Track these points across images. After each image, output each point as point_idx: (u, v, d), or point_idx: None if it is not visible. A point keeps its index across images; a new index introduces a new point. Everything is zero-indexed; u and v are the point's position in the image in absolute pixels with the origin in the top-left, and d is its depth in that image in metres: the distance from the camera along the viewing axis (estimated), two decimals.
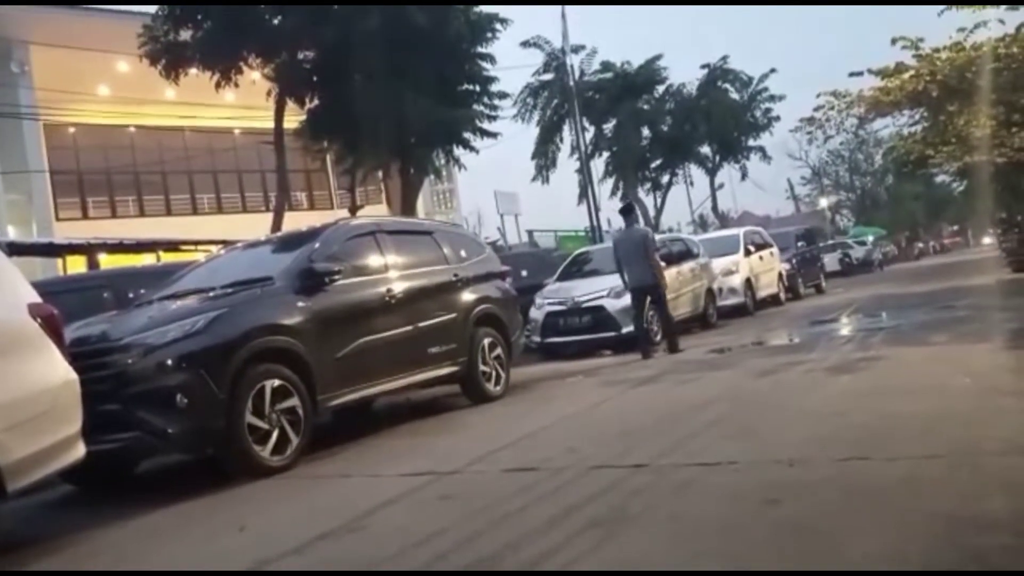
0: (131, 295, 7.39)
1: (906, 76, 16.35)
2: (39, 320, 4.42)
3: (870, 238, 40.16)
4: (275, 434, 5.56)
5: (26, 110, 20.45)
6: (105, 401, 4.99)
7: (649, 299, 10.52)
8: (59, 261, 15.62)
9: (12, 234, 19.41)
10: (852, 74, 17.44)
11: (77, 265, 14.79)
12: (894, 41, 15.89)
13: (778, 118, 32.55)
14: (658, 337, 10.90)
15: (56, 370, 4.43)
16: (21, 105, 20.51)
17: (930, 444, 4.01)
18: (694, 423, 5.44)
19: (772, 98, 32.51)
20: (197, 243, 16.09)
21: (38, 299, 4.56)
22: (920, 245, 54.48)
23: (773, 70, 32.62)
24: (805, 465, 3.98)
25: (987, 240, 44.40)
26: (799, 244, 21.48)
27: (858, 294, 18.05)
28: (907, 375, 6.34)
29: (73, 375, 4.50)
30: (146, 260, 15.62)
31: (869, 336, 9.80)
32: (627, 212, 11.12)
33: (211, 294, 6.12)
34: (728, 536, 3.10)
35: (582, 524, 3.42)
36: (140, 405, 5.15)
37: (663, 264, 11.21)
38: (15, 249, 12.54)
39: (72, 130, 22.85)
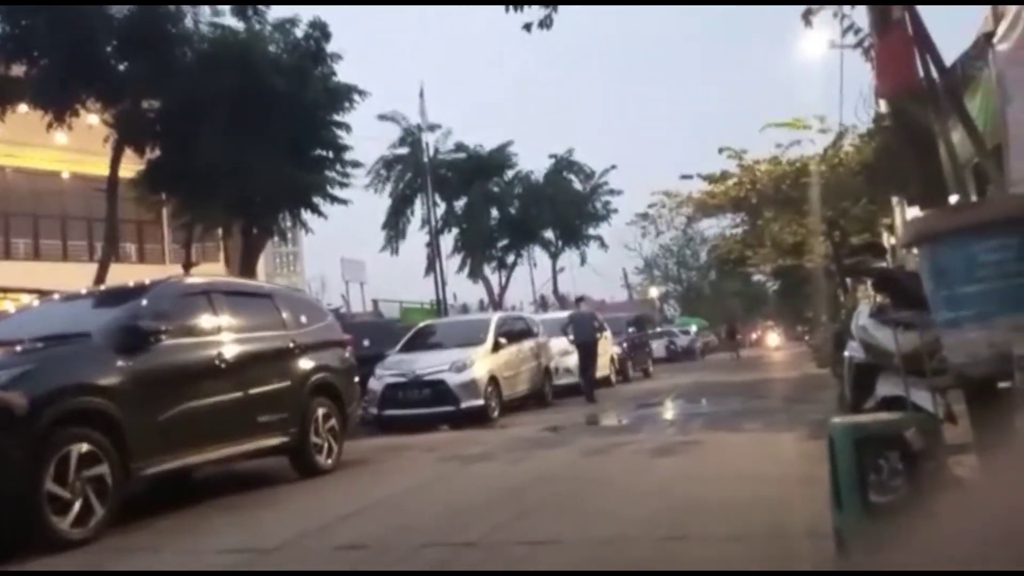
0: None
1: (730, 183, 17.88)
2: None
3: (694, 328, 42.77)
4: (78, 504, 5.10)
5: None
6: None
7: (587, 354, 14.52)
8: None
9: None
10: (683, 176, 18.92)
11: None
12: (721, 150, 17.39)
13: (616, 210, 34.48)
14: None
15: None
16: None
17: (743, 526, 4.28)
18: (525, 501, 5.52)
19: (611, 191, 34.48)
20: (8, 290, 14.75)
21: None
22: (739, 337, 58.62)
23: (613, 166, 34.73)
24: (628, 543, 4.13)
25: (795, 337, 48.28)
26: (630, 329, 22.52)
27: (682, 379, 19.08)
28: (723, 459, 6.75)
29: None
30: None
31: (690, 420, 10.37)
32: (580, 300, 17.63)
33: (19, 348, 5.63)
34: None
35: None
36: None
37: (505, 341, 12.73)
38: None
39: None
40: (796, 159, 16.93)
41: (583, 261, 34.93)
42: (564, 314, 19.66)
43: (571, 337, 14.95)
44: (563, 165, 33.80)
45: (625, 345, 20.67)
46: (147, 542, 5.13)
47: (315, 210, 16.95)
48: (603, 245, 34.90)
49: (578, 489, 5.92)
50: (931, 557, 1.89)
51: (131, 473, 5.57)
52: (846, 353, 5.38)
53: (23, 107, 14.50)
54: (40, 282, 14.22)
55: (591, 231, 34.41)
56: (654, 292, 57.46)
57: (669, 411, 12.31)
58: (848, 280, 18.63)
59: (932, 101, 5.07)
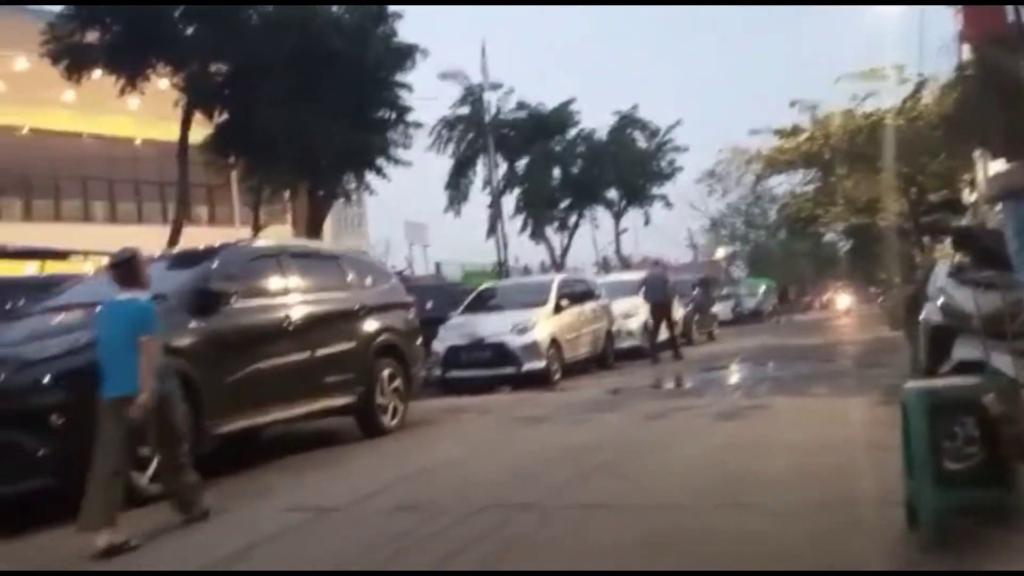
0: (9, 306, 6.97)
1: (801, 138, 17.31)
2: None
3: (762, 289, 41.92)
4: (155, 460, 5.31)
5: None
6: None
7: (664, 316, 14.83)
8: None
9: None
10: (752, 132, 18.38)
11: None
12: (792, 104, 16.83)
13: (681, 168, 33.79)
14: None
15: None
16: None
17: (807, 493, 4.21)
18: (583, 464, 5.53)
19: (677, 149, 33.77)
20: (87, 253, 15.31)
21: None
22: (807, 299, 57.18)
23: (679, 122, 33.92)
24: (686, 511, 4.10)
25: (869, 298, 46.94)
26: (695, 291, 22.18)
27: (748, 343, 18.78)
28: (788, 425, 6.63)
29: None
30: (29, 268, 14.77)
31: (755, 384, 10.21)
32: (655, 262, 18.16)
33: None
34: None
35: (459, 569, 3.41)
36: (10, 424, 4.86)
37: (567, 303, 12.68)
38: None
39: None
40: (872, 112, 16.26)
41: (647, 221, 34.49)
42: (627, 276, 19.52)
43: (644, 298, 15.19)
44: (627, 122, 33.18)
45: (689, 307, 20.39)
46: (215, 501, 5.32)
47: (378, 172, 17.11)
48: (668, 204, 34.34)
49: (637, 453, 5.89)
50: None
51: (204, 432, 5.76)
52: (922, 315, 5.19)
53: (97, 73, 14.91)
54: (117, 245, 14.68)
55: (655, 190, 33.88)
56: (720, 253, 56.35)
57: (734, 375, 12.15)
58: (925, 239, 17.95)
59: (1022, 47, 4.77)
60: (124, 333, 4.45)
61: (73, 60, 14.60)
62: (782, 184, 23.81)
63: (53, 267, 14.06)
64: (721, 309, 28.09)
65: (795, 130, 17.38)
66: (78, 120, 21.45)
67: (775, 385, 9.90)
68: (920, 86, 15.05)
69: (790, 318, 34.07)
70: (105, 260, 10.87)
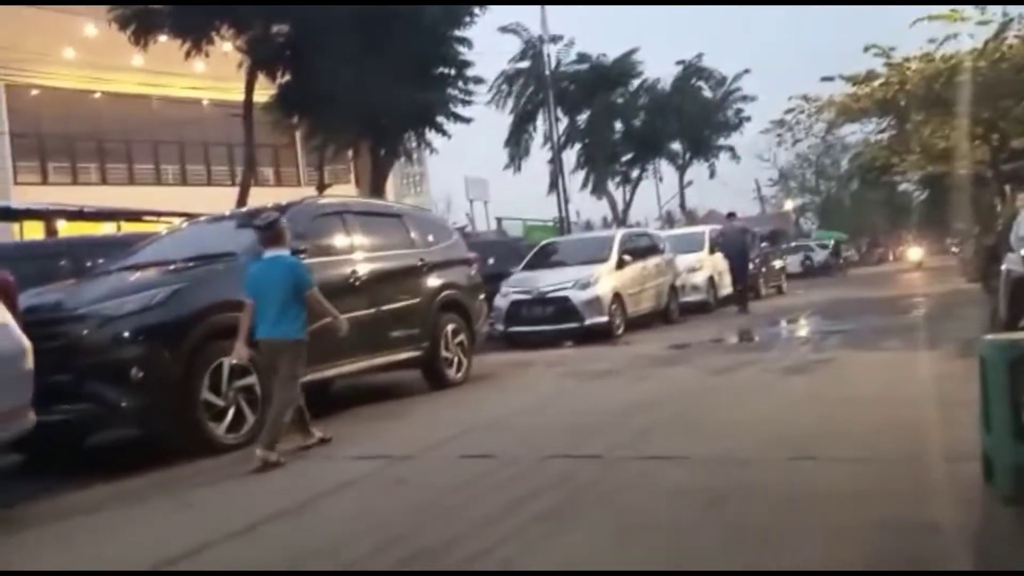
0: (89, 264, 7.25)
1: (876, 84, 16.61)
2: None
3: (832, 242, 40.81)
4: (231, 412, 5.52)
5: None
6: (58, 371, 4.92)
7: (740, 269, 15.07)
8: (16, 227, 15.24)
9: None
10: (824, 79, 17.67)
11: (35, 232, 14.44)
12: (866, 48, 16.11)
13: (749, 118, 32.87)
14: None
15: (8, 338, 4.34)
16: None
17: (876, 449, 4.12)
18: (649, 418, 5.52)
19: (744, 98, 32.84)
20: (160, 214, 15.78)
21: None
22: (881, 251, 55.47)
23: (747, 71, 32.94)
24: (752, 464, 4.07)
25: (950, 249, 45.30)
26: (763, 244, 21.72)
27: (817, 296, 18.37)
28: (858, 379, 6.49)
29: (26, 344, 4.42)
30: (106, 229, 15.33)
31: (825, 338, 9.99)
32: (731, 216, 17.43)
33: (172, 267, 6.05)
34: (676, 536, 3.16)
35: (531, 517, 3.46)
36: (93, 377, 5.09)
37: (630, 258, 12.57)
38: None
39: (35, 92, 22.22)
40: (951, 55, 15.45)
41: (712, 174, 33.72)
42: (693, 229, 19.23)
43: (720, 251, 15.45)
44: (692, 72, 32.34)
45: (757, 260, 19.99)
46: (291, 448, 5.50)
47: (439, 129, 17.07)
48: (734, 156, 33.54)
49: (703, 407, 5.85)
50: None
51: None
52: (1003, 266, 4.98)
53: (163, 38, 15.19)
54: (187, 205, 15.11)
55: (721, 141, 33.09)
56: (789, 205, 54.89)
57: (802, 328, 11.91)
58: (1007, 187, 17.13)
59: None
60: (279, 286, 5.07)
61: (139, 25, 14.90)
62: (855, 133, 23.01)
63: (128, 227, 14.57)
64: (790, 262, 27.48)
65: (869, 76, 16.66)
66: (147, 84, 21.96)
67: (845, 339, 9.68)
68: (1004, 26, 14.20)
69: (862, 270, 33.11)
70: (177, 220, 11.18)
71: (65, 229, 14.14)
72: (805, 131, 20.49)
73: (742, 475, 3.88)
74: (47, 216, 14.24)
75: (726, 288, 16.17)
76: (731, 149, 33.25)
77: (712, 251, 16.02)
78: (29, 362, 4.41)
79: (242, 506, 4.12)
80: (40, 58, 19.18)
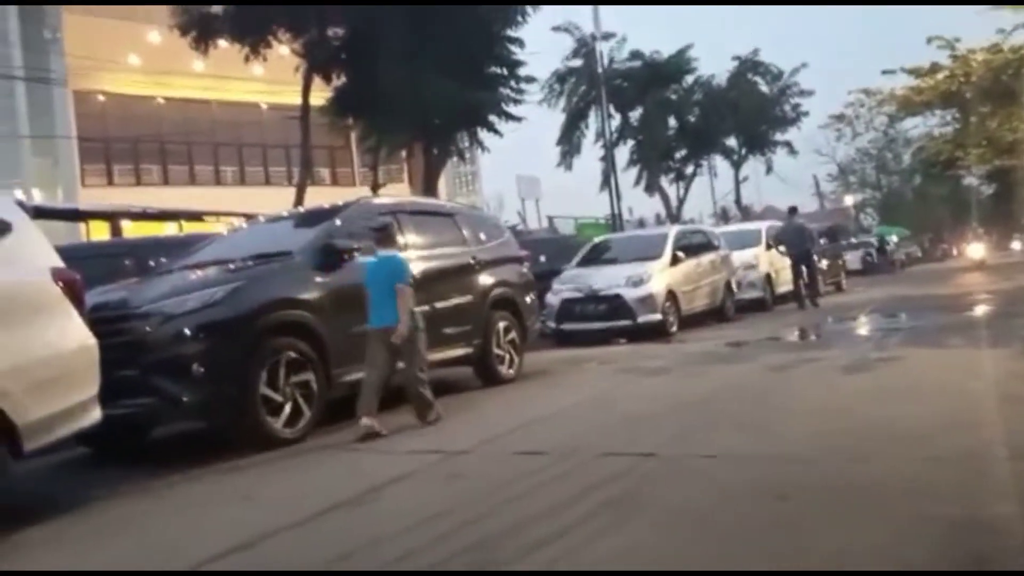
0: (152, 263, 7.46)
1: (940, 76, 16.19)
2: (61, 285, 4.49)
3: (894, 238, 39.70)
4: (288, 406, 5.63)
5: (57, 76, 20.62)
6: (123, 367, 5.06)
7: (804, 265, 14.53)
8: (83, 227, 15.78)
9: (38, 198, 19.61)
10: (885, 72, 17.36)
11: (100, 232, 14.94)
12: (930, 40, 15.69)
13: (807, 113, 32.24)
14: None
15: (76, 335, 4.50)
16: (52, 71, 20.68)
17: (939, 447, 4.00)
18: (704, 415, 5.45)
19: (802, 92, 32.17)
20: (220, 214, 16.18)
21: (61, 264, 4.62)
22: (944, 247, 53.84)
23: (804, 65, 32.23)
24: (813, 462, 3.98)
25: (1016, 246, 43.71)
26: (822, 240, 21.24)
27: (878, 293, 17.90)
28: (921, 377, 6.30)
29: (92, 340, 4.57)
30: (168, 229, 15.77)
31: (886, 336, 9.74)
32: (792, 211, 16.19)
33: (231, 266, 6.19)
34: (732, 532, 3.11)
35: (586, 513, 3.45)
36: (156, 372, 5.24)
37: (683, 255, 12.41)
38: (40, 213, 12.63)
39: (101, 98, 23.01)
40: (1020, 46, 14.93)
41: (769, 169, 33.15)
42: (748, 226, 18.91)
43: (782, 249, 15.08)
44: (748, 67, 31.85)
45: (816, 257, 19.54)
46: (348, 442, 5.59)
47: (491, 128, 17.13)
48: (792, 151, 32.91)
49: (761, 405, 5.75)
50: None
51: (332, 379, 6.04)
52: None
53: (222, 43, 15.58)
54: (246, 206, 15.48)
55: (778, 136, 32.53)
56: (849, 200, 53.62)
57: (863, 326, 11.62)
58: None
59: None
60: (387, 281, 5.83)
61: (200, 31, 15.30)
62: (917, 126, 22.46)
63: (189, 227, 14.96)
64: (850, 259, 26.82)
65: (933, 68, 16.25)
66: (207, 88, 22.54)
67: (907, 336, 9.42)
68: None
69: (924, 267, 32.18)
70: (236, 220, 11.40)
71: (129, 229, 14.60)
72: (866, 125, 20.18)
73: (801, 473, 3.81)
74: (112, 217, 14.72)
75: (783, 285, 15.88)
76: (788, 144, 32.69)
77: (770, 247, 15.72)
78: (95, 358, 4.56)
79: (299, 498, 4.19)
80: (106, 65, 19.83)
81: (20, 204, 4.80)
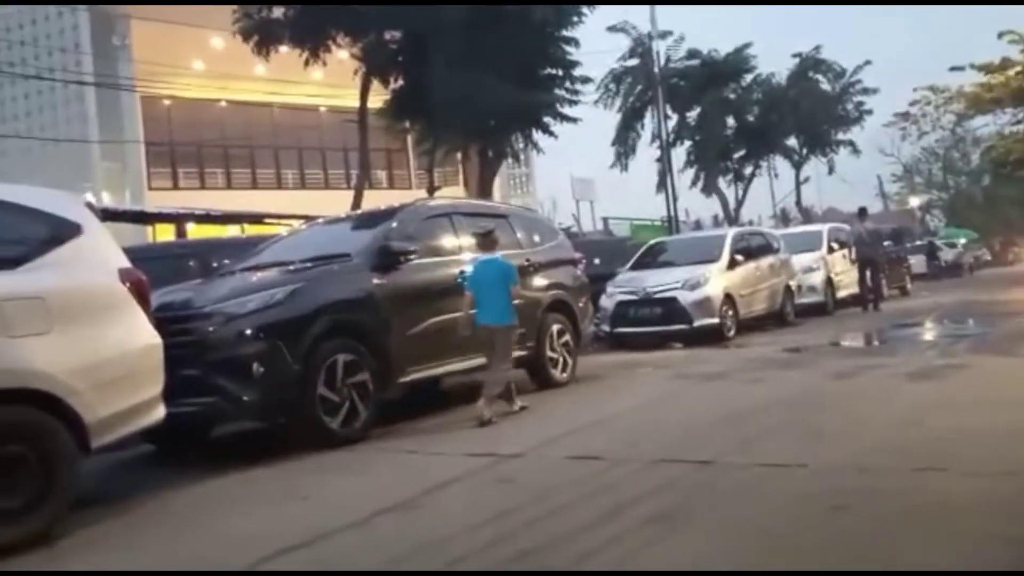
0: (215, 265, 7.64)
1: (1011, 72, 15.61)
2: (128, 285, 4.61)
3: (962, 241, 38.43)
4: (345, 406, 5.70)
5: (125, 82, 21.32)
6: (186, 366, 5.19)
7: (870, 270, 14.58)
8: (149, 229, 16.28)
9: (106, 200, 20.30)
10: (953, 68, 16.85)
11: (166, 233, 15.40)
12: (1001, 35, 15.15)
13: (871, 112, 31.35)
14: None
15: (142, 334, 4.61)
16: (120, 77, 21.39)
17: (1010, 460, 3.85)
18: (762, 423, 5.34)
19: (865, 91, 31.27)
20: (280, 217, 16.53)
21: (128, 264, 4.75)
22: (1015, 250, 51.95)
23: (868, 62, 31.33)
24: (875, 473, 3.87)
25: None
26: (886, 243, 20.68)
27: (945, 298, 17.34)
28: (990, 386, 6.07)
29: (157, 340, 4.69)
30: (231, 231, 16.17)
31: (953, 342, 9.43)
32: (862, 212, 15.79)
33: (291, 268, 6.30)
34: (788, 545, 3.04)
35: (639, 519, 3.41)
36: (219, 372, 5.36)
37: (742, 258, 12.28)
38: (109, 215, 13.08)
39: (167, 103, 23.70)
40: None
41: (831, 170, 32.28)
42: (809, 228, 18.54)
43: (851, 252, 15.03)
44: (809, 65, 31.10)
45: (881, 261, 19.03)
46: (402, 444, 5.64)
47: (545, 130, 17.11)
48: (855, 151, 32.00)
49: (821, 412, 5.61)
50: None
51: (388, 380, 6.10)
52: None
53: (283, 48, 15.90)
54: (306, 208, 15.77)
55: (840, 136, 31.64)
56: (914, 201, 52.07)
57: (928, 332, 11.26)
58: None
59: None
60: (495, 281, 6.36)
61: (261, 36, 15.64)
62: (987, 125, 21.70)
63: (251, 229, 15.31)
64: (915, 262, 26.05)
65: (1004, 64, 15.67)
66: (269, 93, 23.03)
67: (974, 343, 9.10)
68: None
69: (994, 271, 31.07)
70: (296, 223, 11.63)
71: (193, 231, 15.02)
72: (932, 124, 19.60)
73: (862, 483, 3.70)
74: (177, 219, 15.16)
75: (845, 289, 15.50)
76: (851, 143, 31.79)
77: (833, 250, 15.38)
78: (160, 357, 4.68)
79: (354, 498, 4.24)
80: (172, 71, 20.42)
81: (90, 206, 4.93)
